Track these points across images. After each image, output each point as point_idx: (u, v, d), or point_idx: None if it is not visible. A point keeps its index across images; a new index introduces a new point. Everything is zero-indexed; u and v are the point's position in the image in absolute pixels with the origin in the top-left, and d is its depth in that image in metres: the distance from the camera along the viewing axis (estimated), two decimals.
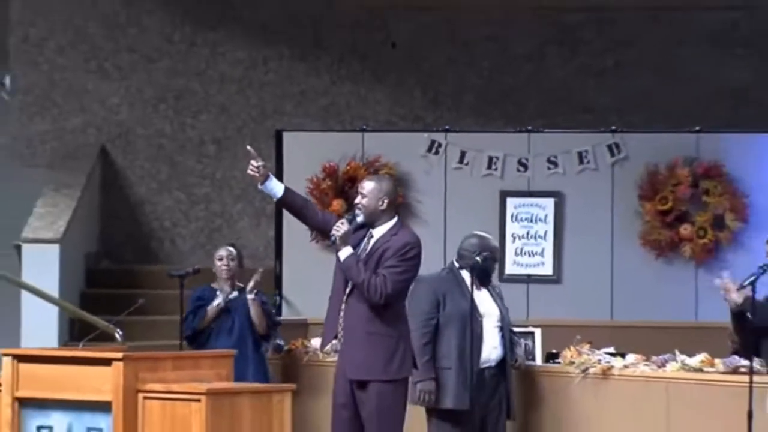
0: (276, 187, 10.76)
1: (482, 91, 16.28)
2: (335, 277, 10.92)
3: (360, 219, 10.74)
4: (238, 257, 12.95)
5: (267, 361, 12.42)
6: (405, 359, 10.82)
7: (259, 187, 10.86)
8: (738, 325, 11.16)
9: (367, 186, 10.85)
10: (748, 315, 10.85)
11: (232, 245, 13.13)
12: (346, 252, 10.66)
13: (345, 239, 10.65)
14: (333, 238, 10.66)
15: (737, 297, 10.82)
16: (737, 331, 11.14)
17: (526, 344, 11.91)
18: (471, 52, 16.72)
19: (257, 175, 10.57)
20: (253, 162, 10.52)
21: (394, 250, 10.70)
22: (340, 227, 10.63)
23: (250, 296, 12.49)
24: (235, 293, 12.75)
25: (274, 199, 11.00)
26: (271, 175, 10.72)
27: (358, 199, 10.85)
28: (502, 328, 11.55)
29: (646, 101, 15.60)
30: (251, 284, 12.49)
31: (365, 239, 10.80)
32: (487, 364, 11.53)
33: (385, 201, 10.74)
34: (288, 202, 11.00)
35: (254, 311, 12.54)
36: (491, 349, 11.53)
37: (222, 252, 12.93)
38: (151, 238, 16.98)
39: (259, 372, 12.02)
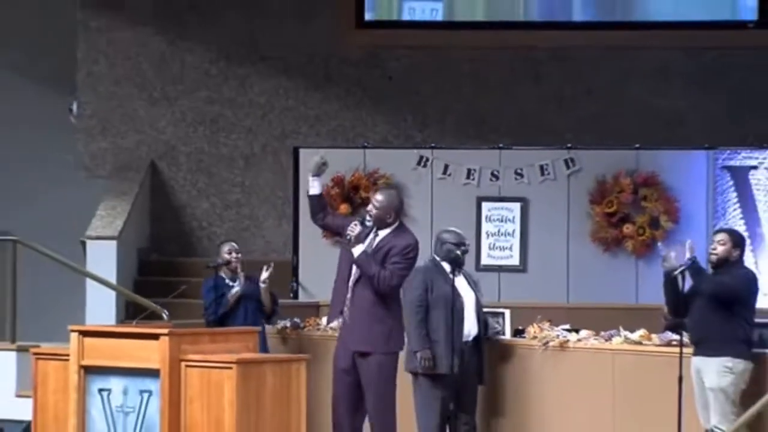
0: (318, 187, 10.99)
1: (462, 115, 16.27)
2: (340, 266, 11.17)
3: (369, 224, 10.87)
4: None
5: (266, 336, 12.33)
6: (399, 336, 11.13)
7: (311, 176, 11.06)
8: (673, 288, 11.11)
9: (380, 200, 11.04)
10: (679, 280, 10.83)
11: (233, 241, 13.09)
12: (359, 249, 10.77)
13: (358, 239, 10.75)
14: (348, 237, 10.80)
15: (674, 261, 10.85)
16: (670, 294, 11.19)
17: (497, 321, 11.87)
18: (453, 83, 16.67)
19: (322, 165, 11.00)
20: (316, 160, 10.98)
21: (398, 249, 10.89)
22: (354, 228, 10.79)
23: (263, 285, 12.50)
24: (246, 281, 12.70)
25: (312, 193, 11.07)
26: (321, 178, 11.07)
27: (370, 207, 10.98)
28: (477, 309, 11.58)
29: (596, 124, 15.57)
30: (265, 275, 12.43)
31: (371, 236, 10.87)
32: (466, 339, 11.54)
33: (392, 214, 10.97)
34: (319, 200, 11.15)
35: (264, 296, 12.51)
36: (470, 326, 11.53)
37: (232, 246, 12.87)
38: (191, 235, 16.94)
39: (264, 345, 11.98)
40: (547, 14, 17.21)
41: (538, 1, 17.19)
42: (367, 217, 10.93)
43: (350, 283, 10.86)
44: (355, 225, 10.88)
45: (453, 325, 11.44)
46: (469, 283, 11.58)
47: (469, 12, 17.24)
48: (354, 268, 10.85)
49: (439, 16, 17.23)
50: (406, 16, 17.29)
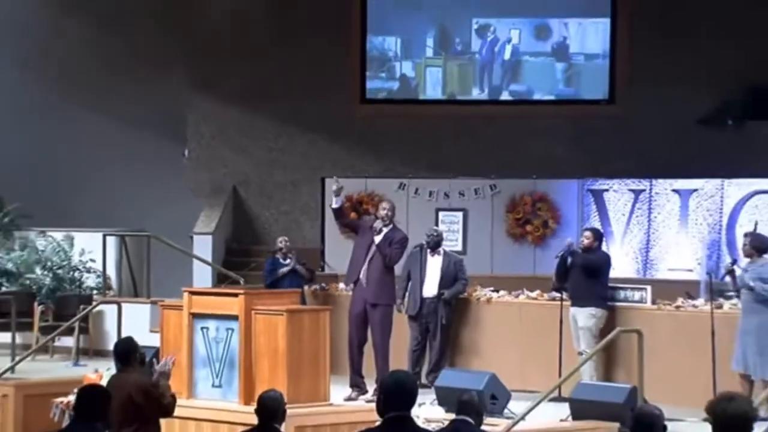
0: (337, 202, 10.96)
1: (427, 157, 16.13)
2: (354, 251, 11.21)
3: (382, 223, 10.88)
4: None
5: (305, 294, 12.37)
6: (395, 294, 11.17)
7: (334, 198, 10.99)
8: (560, 265, 11.18)
9: (388, 207, 11.13)
10: (568, 259, 10.96)
11: (285, 236, 13.44)
12: (379, 238, 10.79)
13: (379, 232, 10.78)
14: (375, 231, 10.81)
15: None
16: (558, 269, 11.28)
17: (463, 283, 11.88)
18: (421, 137, 16.54)
19: (339, 189, 10.94)
20: (334, 186, 10.93)
21: (397, 240, 10.91)
22: (378, 225, 10.83)
23: (299, 267, 12.83)
24: (293, 261, 12.86)
25: (334, 206, 11.07)
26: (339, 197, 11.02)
27: (382, 212, 10.99)
28: (441, 278, 11.58)
29: (509, 164, 15.47)
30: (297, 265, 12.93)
31: (377, 230, 10.84)
32: (428, 295, 11.58)
33: (393, 217, 11.04)
34: (339, 210, 11.12)
35: (302, 270, 12.81)
36: (430, 288, 11.59)
37: (283, 238, 13.36)
38: (258, 232, 16.94)
39: (302, 300, 11.93)
40: (479, 94, 16.81)
41: (473, 84, 16.74)
42: (382, 219, 10.91)
43: (367, 259, 10.84)
44: (378, 223, 10.86)
45: (420, 288, 11.57)
46: (443, 261, 11.68)
47: (422, 89, 16.58)
48: (371, 249, 10.82)
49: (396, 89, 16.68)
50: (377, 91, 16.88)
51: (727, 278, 10.52)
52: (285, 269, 13.06)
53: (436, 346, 11.55)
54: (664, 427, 6.19)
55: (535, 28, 15.31)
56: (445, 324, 11.63)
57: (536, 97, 16.31)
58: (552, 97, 16.01)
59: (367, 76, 16.42)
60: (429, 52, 15.61)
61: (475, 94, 16.20)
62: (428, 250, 11.67)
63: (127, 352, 8.00)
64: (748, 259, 10.31)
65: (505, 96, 16.56)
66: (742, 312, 10.14)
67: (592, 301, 11.01)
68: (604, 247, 11.99)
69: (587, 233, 11.46)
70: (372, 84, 16.35)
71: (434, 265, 11.65)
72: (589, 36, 14.89)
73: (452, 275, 11.67)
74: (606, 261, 11.36)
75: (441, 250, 11.83)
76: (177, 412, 8.13)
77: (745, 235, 10.81)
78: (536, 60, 15.14)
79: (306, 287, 12.78)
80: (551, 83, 15.55)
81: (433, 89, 16.18)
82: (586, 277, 11.05)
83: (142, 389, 7.71)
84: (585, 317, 10.96)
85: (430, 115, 16.82)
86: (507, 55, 15.39)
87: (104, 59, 17.27)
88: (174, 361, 8.15)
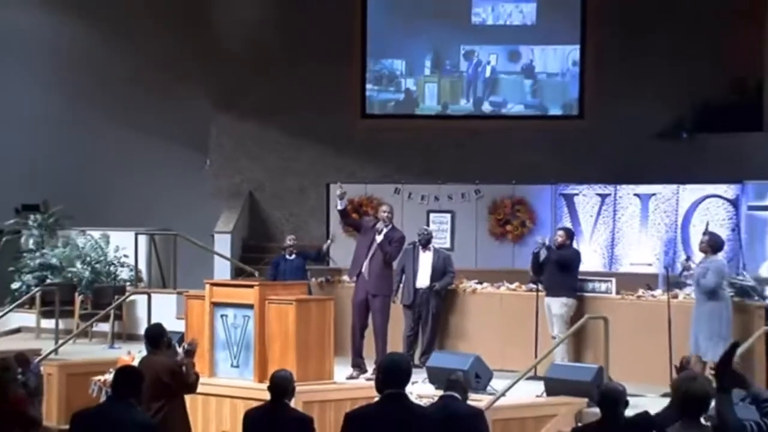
0: (341, 204, 10.80)
1: (419, 165, 16.12)
2: (357, 248, 11.06)
3: (383, 224, 10.77)
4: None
5: (310, 286, 12.18)
6: (393, 285, 11.06)
7: (339, 201, 10.86)
8: (535, 260, 11.08)
9: (388, 209, 11.04)
10: (541, 255, 10.92)
11: (293, 234, 13.22)
12: (380, 237, 10.69)
13: (380, 232, 10.70)
14: (377, 231, 10.71)
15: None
16: (534, 264, 11.21)
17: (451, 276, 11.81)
18: (415, 147, 16.56)
19: (343, 194, 10.81)
20: (338, 191, 10.77)
21: (395, 239, 10.82)
22: (381, 226, 10.72)
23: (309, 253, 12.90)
24: (297, 256, 12.83)
25: (339, 208, 10.96)
26: (343, 200, 10.87)
27: (383, 214, 10.91)
28: (432, 271, 11.53)
29: (492, 171, 15.45)
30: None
31: (378, 230, 10.76)
32: (420, 287, 11.54)
33: (392, 218, 10.90)
34: (343, 212, 11.00)
35: (311, 254, 12.93)
36: (422, 280, 11.55)
37: (291, 236, 13.07)
38: (271, 232, 16.91)
39: (309, 291, 11.75)
40: (466, 104, 16.94)
41: (461, 95, 16.88)
42: (384, 221, 10.84)
43: (369, 255, 10.73)
44: (380, 224, 10.76)
45: (413, 280, 11.54)
46: (433, 257, 11.64)
47: (422, 100, 16.90)
48: (372, 246, 10.72)
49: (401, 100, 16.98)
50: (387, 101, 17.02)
51: (684, 273, 10.49)
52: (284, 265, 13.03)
53: (427, 331, 11.50)
54: (627, 402, 6.20)
55: (509, 53, 16.30)
56: (435, 313, 11.56)
57: (509, 105, 16.66)
58: (521, 106, 16.50)
59: (377, 90, 16.82)
60: (427, 71, 16.45)
61: (463, 103, 16.64)
62: (420, 247, 11.63)
63: (156, 336, 7.99)
64: (702, 255, 10.29)
65: (486, 105, 16.72)
66: (695, 302, 10.13)
67: (564, 291, 10.97)
68: (574, 245, 11.96)
69: (560, 232, 11.43)
70: (383, 96, 16.84)
71: (426, 260, 11.61)
72: (549, 59, 15.93)
73: (441, 269, 11.62)
74: (576, 256, 11.33)
75: (431, 246, 11.77)
76: (199, 389, 8.13)
77: (704, 233, 10.77)
78: (509, 77, 16.21)
79: (313, 280, 12.69)
80: (520, 95, 16.33)
81: (430, 100, 16.68)
82: (559, 270, 11.02)
83: (169, 369, 7.69)
84: (558, 306, 10.93)
85: (422, 128, 16.75)
86: (487, 74, 16.33)
87: (137, 81, 17.20)
88: (197, 343, 8.14)
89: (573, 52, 16.28)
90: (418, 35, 16.30)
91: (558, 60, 16.03)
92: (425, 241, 11.71)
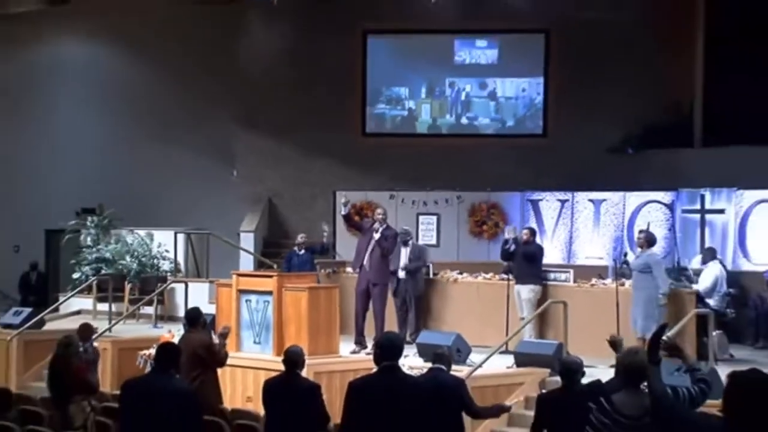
0: (345, 210, 10.73)
1: (412, 176, 15.97)
2: (359, 244, 10.92)
3: (379, 225, 10.66)
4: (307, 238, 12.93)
5: (319, 276, 12.06)
6: (389, 276, 10.98)
7: (343, 207, 10.79)
8: (505, 249, 11.08)
9: (382, 211, 10.91)
10: (510, 247, 10.95)
11: (304, 233, 13.12)
12: (378, 235, 10.56)
13: (377, 231, 10.62)
14: (375, 230, 10.59)
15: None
16: (502, 252, 11.21)
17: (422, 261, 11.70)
18: (407, 160, 16.44)
19: (347, 202, 10.78)
20: (343, 200, 10.76)
21: (391, 236, 10.73)
22: (377, 226, 10.61)
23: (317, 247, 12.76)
24: (306, 251, 12.72)
25: (342, 213, 10.89)
26: (346, 206, 10.77)
27: (378, 216, 10.75)
28: (409, 262, 11.48)
29: (471, 180, 15.40)
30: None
31: (376, 230, 10.66)
32: (401, 277, 11.51)
33: (386, 219, 10.79)
34: (347, 216, 10.90)
35: (318, 248, 12.75)
36: (401, 271, 11.47)
37: (303, 235, 12.96)
38: (286, 231, 16.82)
39: (318, 280, 11.61)
40: (450, 118, 17.20)
41: (447, 112, 17.15)
42: (379, 222, 10.75)
43: (368, 250, 10.64)
44: (378, 225, 10.61)
45: (397, 268, 11.45)
46: (410, 251, 11.60)
47: (419, 115, 17.23)
48: (371, 243, 10.63)
49: (405, 116, 17.28)
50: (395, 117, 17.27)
51: (623, 265, 10.55)
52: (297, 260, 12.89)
53: (412, 314, 11.49)
54: (583, 372, 6.23)
55: (479, 84, 17.05)
56: (417, 296, 11.51)
57: (480, 119, 17.17)
58: (487, 119, 17.10)
59: (389, 108, 17.30)
60: (423, 96, 17.26)
61: (447, 117, 17.23)
62: (401, 244, 11.60)
63: (194, 317, 8.02)
64: (640, 249, 10.33)
65: (463, 119, 17.10)
66: (633, 289, 10.17)
67: (531, 280, 10.98)
68: (538, 241, 11.97)
69: (526, 231, 11.43)
70: (393, 112, 17.33)
71: (405, 254, 11.60)
72: (507, 87, 16.92)
73: (416, 257, 11.62)
74: (540, 251, 11.34)
75: (410, 243, 11.77)
76: (228, 362, 8.16)
77: (640, 231, 10.82)
78: (479, 100, 17.06)
79: (322, 271, 12.62)
80: (487, 113, 17.04)
81: (425, 115, 17.28)
82: (526, 262, 11.03)
83: (205, 345, 7.72)
84: (526, 292, 10.94)
85: (412, 145, 16.71)
86: (463, 98, 17.10)
87: (174, 105, 17.22)
88: (229, 329, 8.18)
89: (532, 82, 16.80)
90: (417, 71, 17.21)
91: (514, 88, 16.91)
92: (405, 241, 11.68)
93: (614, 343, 6.25)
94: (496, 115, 17.06)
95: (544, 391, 8.00)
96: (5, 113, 17.24)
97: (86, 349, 8.17)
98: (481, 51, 16.91)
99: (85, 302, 14.42)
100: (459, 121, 17.11)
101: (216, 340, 7.93)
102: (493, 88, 16.97)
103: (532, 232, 11.45)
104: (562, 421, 5.67)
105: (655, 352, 4.23)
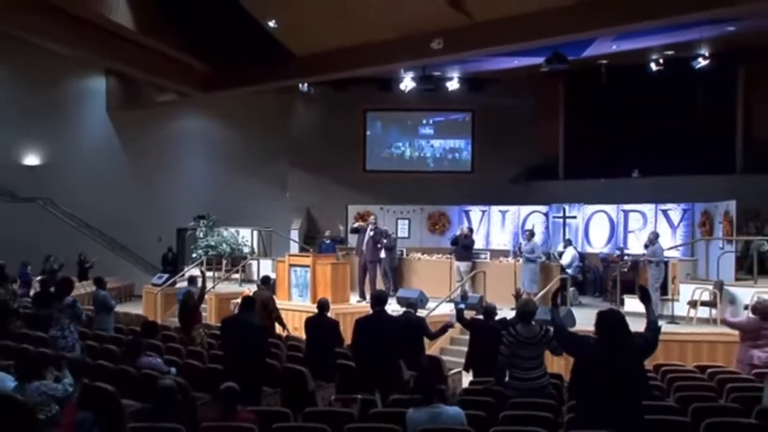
0: (354, 225, 10.33)
1: (395, 196, 15.58)
2: (359, 239, 10.58)
3: (372, 226, 10.20)
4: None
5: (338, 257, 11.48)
6: (379, 256, 10.57)
7: (354, 224, 10.38)
8: (454, 240, 10.66)
9: (374, 218, 10.63)
10: (459, 240, 10.62)
11: (330, 231, 12.91)
12: (371, 233, 10.02)
13: (371, 230, 10.16)
14: (369, 230, 9.94)
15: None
16: (452, 241, 10.85)
17: (384, 241, 10.60)
18: (395, 188, 16.11)
19: (355, 220, 10.30)
20: (353, 220, 10.24)
21: (379, 233, 10.24)
22: (370, 227, 9.88)
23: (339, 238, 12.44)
24: (330, 241, 12.41)
25: (354, 226, 10.40)
26: (356, 223, 10.34)
27: (371, 219, 10.25)
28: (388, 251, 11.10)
29: (430, 198, 15.04)
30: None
31: (370, 229, 10.15)
32: (383, 254, 11.02)
33: (376, 222, 10.43)
34: (354, 228, 10.52)
35: (339, 236, 12.45)
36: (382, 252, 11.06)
37: (329, 231, 12.74)
38: (318, 229, 16.51)
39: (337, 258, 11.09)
40: (420, 153, 16.94)
41: (418, 152, 16.84)
42: (373, 225, 10.42)
43: (365, 242, 10.32)
44: (374, 229, 9.92)
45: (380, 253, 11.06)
46: (389, 240, 11.25)
47: (407, 153, 16.96)
48: (366, 238, 10.06)
49: (399, 153, 17.02)
50: (392, 153, 17.02)
51: (518, 250, 10.54)
52: (327, 242, 12.57)
53: (390, 279, 11.21)
54: (496, 312, 6.31)
55: (435, 141, 16.80)
56: (392, 267, 10.94)
57: (434, 163, 16.88)
58: (439, 163, 16.77)
59: (391, 152, 16.88)
60: (406, 144, 16.93)
61: (420, 153, 16.88)
62: (385, 236, 11.05)
63: (265, 280, 8.06)
64: (527, 240, 10.37)
65: (424, 162, 16.78)
66: (523, 264, 10.23)
67: (465, 258, 10.94)
68: (473, 236, 11.87)
69: (467, 230, 11.37)
70: (392, 151, 16.95)
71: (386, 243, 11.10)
72: (450, 144, 16.70)
73: (390, 243, 11.12)
74: (472, 242, 11.31)
75: (391, 235, 11.37)
76: (281, 307, 8.11)
77: (525, 230, 10.90)
78: (436, 147, 16.78)
79: (339, 254, 12.14)
80: (439, 158, 16.68)
81: (409, 153, 16.92)
82: (463, 249, 10.99)
83: (270, 299, 7.73)
84: (463, 267, 10.93)
85: (395, 178, 16.54)
86: (424, 144, 16.89)
87: (251, 153, 17.13)
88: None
89: (464, 141, 16.75)
90: (401, 135, 16.98)
91: (454, 143, 16.71)
92: (387, 234, 11.19)
93: (517, 296, 6.35)
94: (443, 159, 17.00)
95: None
96: (156, 161, 17.24)
97: (196, 290, 8.00)
98: (435, 122, 16.95)
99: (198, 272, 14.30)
100: (422, 162, 17.01)
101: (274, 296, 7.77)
102: (442, 143, 16.96)
103: (471, 231, 11.44)
104: (484, 340, 5.81)
105: (555, 300, 4.19)
